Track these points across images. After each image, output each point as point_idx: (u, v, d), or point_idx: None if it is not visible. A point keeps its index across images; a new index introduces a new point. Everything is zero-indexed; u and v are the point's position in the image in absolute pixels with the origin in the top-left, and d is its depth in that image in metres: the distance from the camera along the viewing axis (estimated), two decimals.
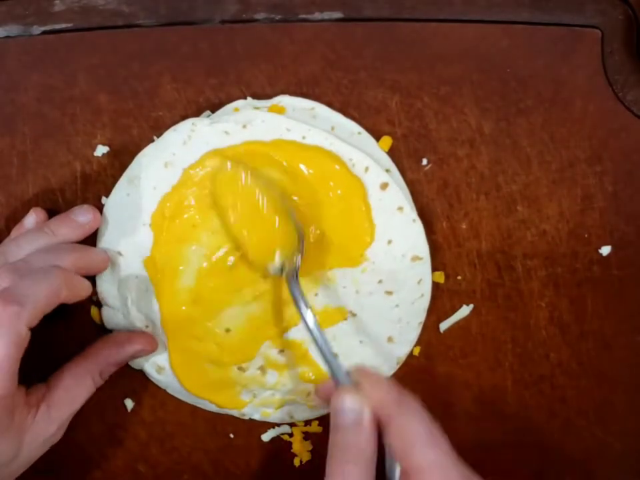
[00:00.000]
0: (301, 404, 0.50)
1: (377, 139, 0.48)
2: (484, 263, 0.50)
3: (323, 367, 0.43)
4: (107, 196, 0.48)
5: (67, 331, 0.49)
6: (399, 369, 0.50)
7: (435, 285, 0.50)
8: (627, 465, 0.53)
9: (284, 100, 0.48)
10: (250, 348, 0.49)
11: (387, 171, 0.48)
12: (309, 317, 0.43)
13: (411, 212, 0.47)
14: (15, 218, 0.48)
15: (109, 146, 0.48)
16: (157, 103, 0.48)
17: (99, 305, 0.49)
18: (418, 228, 0.48)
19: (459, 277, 0.50)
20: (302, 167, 0.46)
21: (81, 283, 0.43)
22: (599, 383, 0.52)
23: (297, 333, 0.48)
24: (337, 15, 0.48)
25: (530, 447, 0.52)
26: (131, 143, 0.48)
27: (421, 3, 0.48)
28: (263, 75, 0.48)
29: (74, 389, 0.44)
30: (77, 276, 0.43)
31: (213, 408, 0.50)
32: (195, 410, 0.51)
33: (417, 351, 0.51)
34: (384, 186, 0.47)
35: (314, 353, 0.49)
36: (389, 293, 0.48)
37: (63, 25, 0.48)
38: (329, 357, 0.43)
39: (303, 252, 0.45)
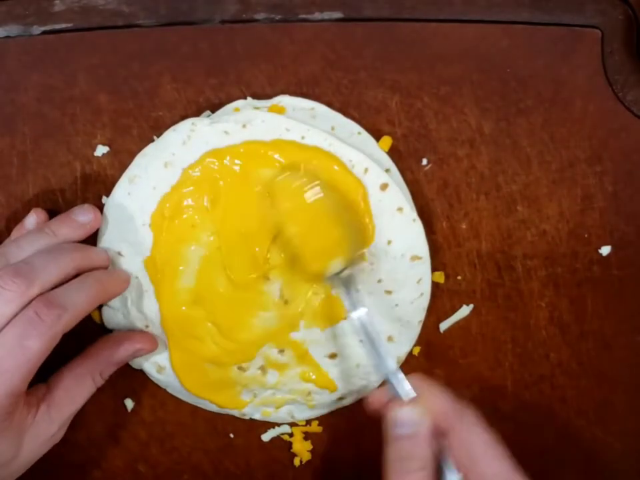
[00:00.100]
0: (302, 403, 0.50)
1: (377, 139, 0.48)
2: (484, 263, 0.50)
3: (378, 375, 0.42)
4: (107, 196, 0.48)
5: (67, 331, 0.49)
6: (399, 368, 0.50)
7: (435, 285, 0.50)
8: (627, 464, 0.53)
9: (284, 100, 0.48)
10: (250, 348, 0.49)
11: (387, 171, 0.48)
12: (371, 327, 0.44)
13: (410, 212, 0.47)
14: (15, 218, 0.48)
15: (109, 146, 0.48)
16: (157, 103, 0.48)
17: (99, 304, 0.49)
18: (418, 228, 0.48)
19: (459, 277, 0.50)
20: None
21: (115, 287, 0.45)
22: (599, 383, 0.52)
23: (296, 335, 0.48)
24: (337, 14, 0.48)
25: (530, 447, 0.52)
26: (131, 143, 0.48)
27: (421, 2, 0.48)
28: (263, 75, 0.48)
29: (74, 388, 0.45)
30: (112, 278, 0.45)
31: (213, 408, 0.50)
32: (195, 410, 0.51)
33: (416, 351, 0.51)
34: (384, 187, 0.47)
35: (314, 353, 0.49)
36: (389, 292, 0.48)
37: (63, 25, 0.48)
38: (388, 367, 0.42)
39: (358, 258, 0.46)
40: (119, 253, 0.47)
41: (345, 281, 0.46)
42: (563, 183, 0.50)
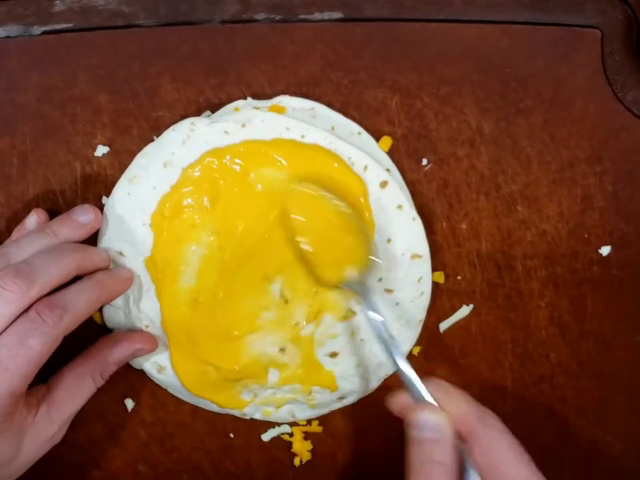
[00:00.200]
0: (302, 403, 0.50)
1: (377, 139, 0.48)
2: (484, 263, 0.50)
3: (404, 381, 0.42)
4: (107, 196, 0.48)
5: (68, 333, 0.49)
6: None
7: (435, 285, 0.50)
8: (627, 465, 0.53)
9: (284, 100, 0.48)
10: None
11: (387, 170, 0.48)
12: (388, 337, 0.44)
13: (410, 210, 0.47)
14: (15, 219, 0.48)
15: (109, 146, 0.48)
16: (157, 103, 0.48)
17: None
18: (418, 226, 0.48)
19: (459, 277, 0.50)
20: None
21: (116, 287, 0.46)
22: (598, 383, 0.52)
23: (297, 334, 0.48)
24: (337, 15, 0.48)
25: (530, 447, 0.52)
26: (131, 143, 0.48)
27: (421, 2, 0.48)
28: (263, 74, 0.48)
29: (74, 389, 0.45)
30: (113, 279, 0.46)
31: (213, 408, 0.50)
32: (195, 410, 0.51)
33: (416, 351, 0.51)
34: (383, 184, 0.47)
35: (315, 352, 0.49)
36: (389, 291, 0.48)
37: (63, 25, 0.48)
38: (407, 371, 0.42)
39: (373, 266, 0.46)
40: (120, 253, 0.47)
41: (359, 287, 0.46)
42: (563, 183, 0.50)
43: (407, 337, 0.49)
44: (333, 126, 0.48)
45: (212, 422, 0.51)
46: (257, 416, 0.51)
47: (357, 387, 0.50)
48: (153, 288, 0.48)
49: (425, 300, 0.49)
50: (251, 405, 0.50)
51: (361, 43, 0.48)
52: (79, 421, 0.46)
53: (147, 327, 0.48)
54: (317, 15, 0.48)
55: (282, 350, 0.49)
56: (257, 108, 0.47)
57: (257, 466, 0.52)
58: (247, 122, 0.46)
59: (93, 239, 0.47)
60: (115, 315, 0.48)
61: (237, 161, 0.46)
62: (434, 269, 0.49)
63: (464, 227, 0.50)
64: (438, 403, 0.41)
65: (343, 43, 0.48)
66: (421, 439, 0.40)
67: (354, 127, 0.48)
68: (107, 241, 0.47)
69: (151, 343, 0.48)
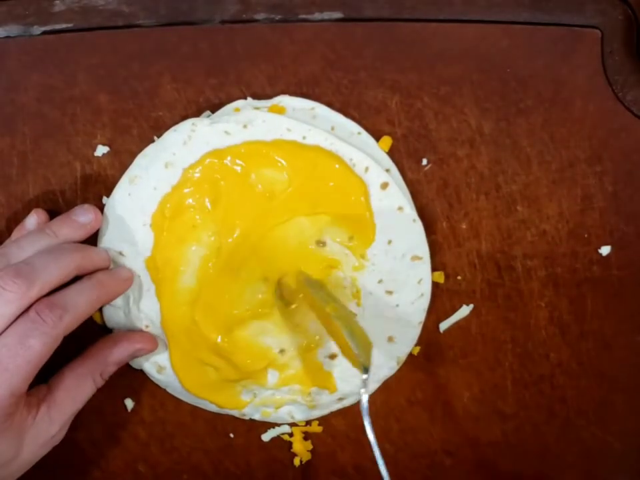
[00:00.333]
0: (302, 404, 0.50)
1: (377, 139, 0.48)
2: (484, 263, 0.50)
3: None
4: (107, 196, 0.48)
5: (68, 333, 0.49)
6: (399, 369, 0.50)
7: (435, 285, 0.50)
8: (627, 464, 0.53)
9: (284, 100, 0.48)
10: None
11: (387, 170, 0.48)
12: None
13: (411, 212, 0.47)
14: (15, 219, 0.48)
15: (109, 146, 0.48)
16: (157, 103, 0.48)
17: None
18: (418, 228, 0.48)
19: (459, 277, 0.50)
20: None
21: (116, 287, 0.46)
22: (598, 383, 0.52)
23: (297, 335, 0.48)
24: (337, 15, 0.48)
25: (530, 447, 0.52)
26: (131, 143, 0.48)
27: (421, 2, 0.48)
28: (263, 75, 0.48)
29: (75, 389, 0.45)
30: (113, 279, 0.46)
31: (213, 408, 0.50)
32: (195, 410, 0.51)
33: (416, 351, 0.51)
34: (384, 186, 0.47)
35: (315, 353, 0.49)
36: (389, 292, 0.48)
37: (63, 25, 0.48)
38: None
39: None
40: (121, 253, 0.47)
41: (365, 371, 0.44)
42: (563, 182, 0.50)
43: (406, 338, 0.49)
44: (333, 126, 0.48)
45: (212, 422, 0.51)
46: (257, 416, 0.51)
47: (357, 389, 0.50)
48: (153, 288, 0.48)
49: (425, 302, 0.49)
50: (250, 405, 0.50)
51: (361, 43, 0.48)
52: (79, 421, 0.46)
53: (146, 326, 0.48)
54: (317, 15, 0.48)
55: (282, 351, 0.49)
56: (257, 108, 0.47)
57: (257, 466, 0.52)
58: (248, 123, 0.46)
59: (93, 239, 0.47)
60: (114, 314, 0.48)
61: (238, 161, 0.46)
62: (434, 268, 0.49)
63: (464, 226, 0.50)
64: None
65: (343, 43, 0.48)
66: None
67: (354, 127, 0.48)
68: (107, 241, 0.47)
69: (151, 343, 0.48)
